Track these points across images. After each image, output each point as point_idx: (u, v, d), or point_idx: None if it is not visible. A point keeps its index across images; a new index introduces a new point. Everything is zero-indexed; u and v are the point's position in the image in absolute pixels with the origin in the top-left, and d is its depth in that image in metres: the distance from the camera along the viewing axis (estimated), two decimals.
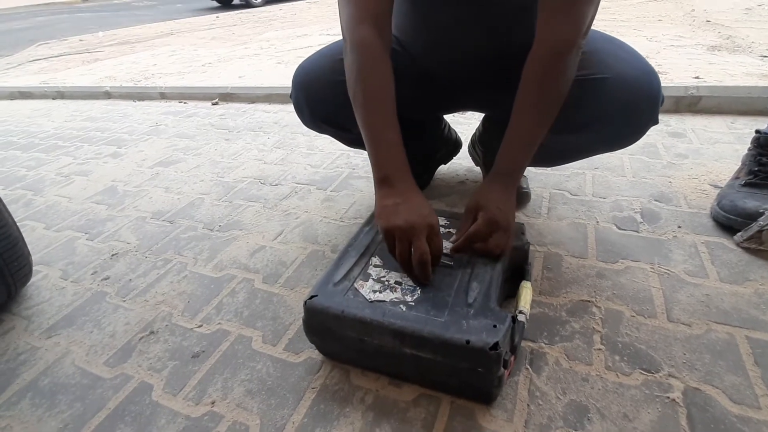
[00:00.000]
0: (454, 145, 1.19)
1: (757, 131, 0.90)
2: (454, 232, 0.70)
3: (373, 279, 0.61)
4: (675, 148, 1.21)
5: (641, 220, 0.90)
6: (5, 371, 0.68)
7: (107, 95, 2.57)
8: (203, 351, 0.68)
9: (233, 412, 0.57)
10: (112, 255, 0.97)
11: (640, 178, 1.07)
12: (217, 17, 7.72)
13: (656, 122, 0.72)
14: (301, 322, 0.64)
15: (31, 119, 2.30)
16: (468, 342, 0.49)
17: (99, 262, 0.95)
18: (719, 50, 2.72)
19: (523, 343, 0.63)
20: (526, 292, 0.62)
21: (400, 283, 0.60)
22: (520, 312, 0.58)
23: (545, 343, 0.63)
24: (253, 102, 2.14)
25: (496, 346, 0.48)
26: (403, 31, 0.83)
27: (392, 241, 0.61)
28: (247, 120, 1.87)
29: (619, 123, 0.71)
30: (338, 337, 0.58)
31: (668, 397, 0.54)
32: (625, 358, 0.60)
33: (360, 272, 0.63)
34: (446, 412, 0.55)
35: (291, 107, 1.98)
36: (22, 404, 0.62)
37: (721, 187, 0.95)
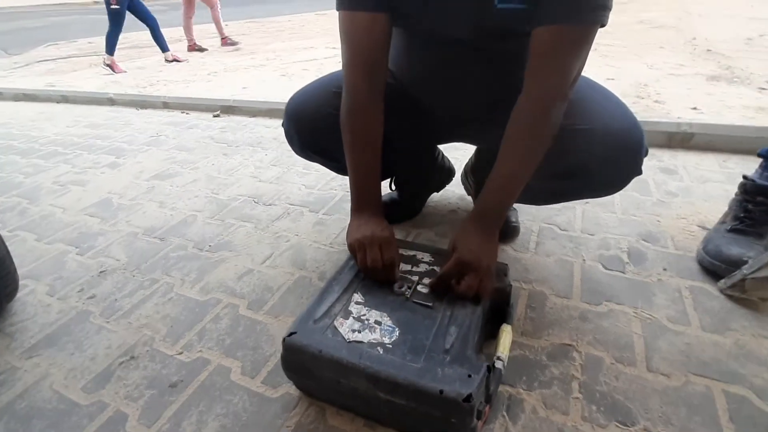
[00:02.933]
0: (447, 174, 1.20)
1: (744, 177, 0.91)
2: (437, 270, 0.70)
3: (353, 317, 0.62)
4: (666, 185, 1.22)
5: (627, 260, 0.91)
6: None
7: (111, 102, 2.60)
8: (181, 380, 0.68)
9: None
10: (101, 272, 0.97)
11: (629, 215, 1.08)
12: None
13: (640, 173, 0.74)
14: (270, 357, 0.64)
15: (33, 123, 2.32)
16: (441, 392, 0.49)
17: (87, 278, 0.95)
18: (718, 80, 2.75)
19: (501, 388, 0.63)
20: (506, 337, 0.62)
21: (379, 323, 0.60)
22: (498, 358, 0.59)
23: (524, 389, 0.63)
24: (254, 116, 2.16)
25: (469, 398, 0.48)
26: (398, 66, 0.85)
27: (354, 252, 0.72)
28: (247, 134, 1.88)
29: (603, 173, 0.72)
30: (315, 376, 0.58)
31: None
32: (602, 409, 0.60)
33: (341, 309, 0.63)
34: None
35: None
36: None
37: (709, 229, 0.96)
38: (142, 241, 1.09)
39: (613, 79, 3.11)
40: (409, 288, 0.66)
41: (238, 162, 1.57)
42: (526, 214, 1.10)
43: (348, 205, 1.18)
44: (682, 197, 1.15)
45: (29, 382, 0.70)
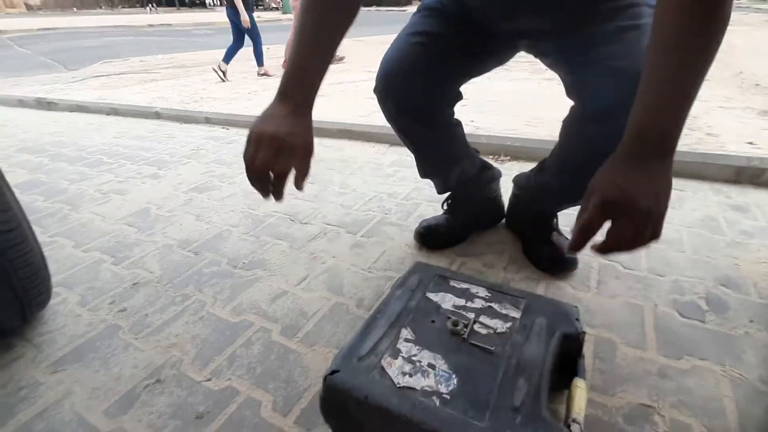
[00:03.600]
0: (500, 213, 1.13)
1: None
2: (498, 310, 0.62)
3: (403, 357, 0.54)
4: (739, 224, 1.10)
5: (707, 308, 0.80)
6: (3, 406, 0.64)
7: (157, 115, 2.69)
8: (208, 412, 0.62)
9: None
10: (133, 284, 0.94)
11: (702, 255, 0.97)
12: (268, 48, 8.16)
13: None
14: (316, 389, 0.58)
15: (83, 132, 2.41)
16: None
17: (119, 290, 0.92)
18: None
19: None
20: (581, 395, 0.53)
21: (433, 367, 0.53)
22: (574, 421, 0.50)
23: None
24: None
25: None
26: None
27: (248, 144, 0.55)
28: None
29: None
30: (358, 422, 0.51)
31: None
32: None
33: (389, 346, 0.56)
34: None
35: (328, 141, 2.00)
36: None
37: None
38: (177, 254, 1.06)
39: None
40: (466, 324, 0.59)
41: None
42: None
43: (388, 229, 1.13)
44: (759, 239, 1.03)
45: (50, 401, 0.66)
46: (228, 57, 4.46)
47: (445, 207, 1.09)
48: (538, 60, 0.86)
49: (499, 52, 0.90)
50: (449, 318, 0.60)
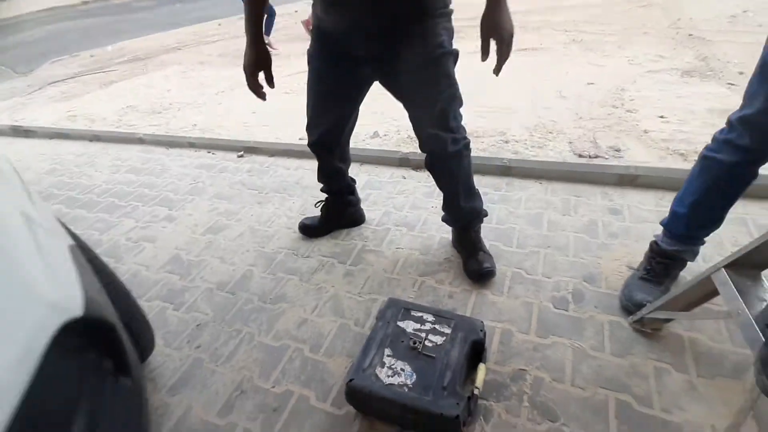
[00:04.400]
0: (353, 222, 1.73)
1: (655, 236, 1.27)
2: (438, 329, 1.08)
3: (387, 366, 1.00)
4: (611, 226, 1.58)
5: (571, 301, 1.29)
6: (156, 423, 1.08)
7: (140, 141, 2.91)
8: (279, 406, 1.07)
9: None
10: (197, 325, 1.36)
11: (579, 257, 1.45)
12: (219, 24, 7.92)
13: None
14: (340, 384, 1.03)
15: (79, 169, 2.65)
16: (442, 414, 0.88)
17: (189, 331, 1.34)
18: (692, 76, 3.07)
19: (480, 402, 1.02)
20: (481, 373, 1.01)
21: (403, 370, 0.99)
22: (476, 388, 0.97)
23: (494, 402, 1.03)
24: (272, 155, 2.49)
25: (457, 417, 0.87)
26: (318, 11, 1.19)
27: (245, 72, 1.24)
28: (272, 178, 2.23)
29: None
30: (367, 403, 0.97)
31: None
32: (540, 412, 0.99)
33: (378, 360, 1.02)
34: None
35: (309, 163, 2.34)
36: None
37: (634, 270, 1.33)
38: (219, 296, 1.47)
39: (593, 83, 3.40)
40: (420, 342, 1.05)
41: (272, 212, 1.92)
42: (503, 260, 1.46)
43: (368, 256, 1.56)
44: (621, 239, 1.52)
45: (179, 413, 1.09)
46: (268, 29, 5.04)
47: (319, 208, 1.70)
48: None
49: (361, 79, 1.30)
50: (411, 339, 1.06)
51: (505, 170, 1.94)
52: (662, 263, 1.22)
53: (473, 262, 1.40)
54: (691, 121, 2.53)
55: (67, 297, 0.55)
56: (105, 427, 0.58)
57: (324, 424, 1.02)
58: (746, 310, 0.86)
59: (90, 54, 6.51)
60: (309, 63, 1.31)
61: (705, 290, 1.01)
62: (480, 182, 1.93)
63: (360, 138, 2.64)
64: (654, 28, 4.46)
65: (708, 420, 0.95)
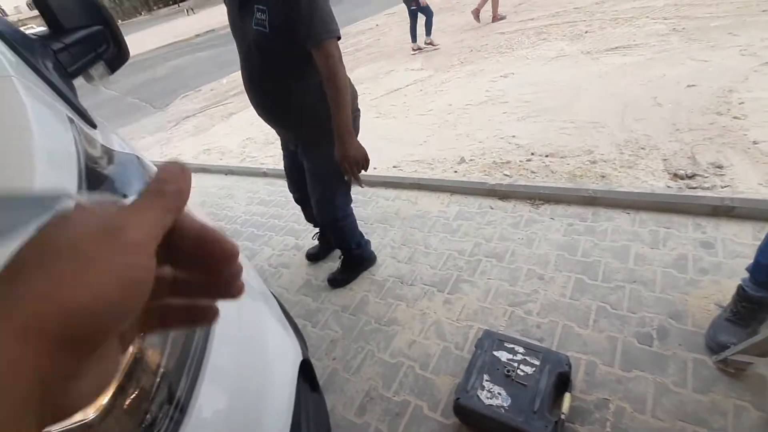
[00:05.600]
0: None
1: (742, 279, 1.34)
2: (528, 360, 1.31)
3: (486, 390, 1.27)
4: (701, 261, 1.63)
5: (655, 336, 1.41)
6: None
7: (264, 174, 3.51)
8: (400, 412, 1.41)
9: None
10: (331, 341, 1.76)
11: (665, 293, 1.55)
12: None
13: None
14: (446, 398, 1.33)
15: (222, 201, 3.32)
16: None
17: (325, 345, 1.74)
18: None
19: (567, 425, 1.24)
20: (567, 401, 1.22)
21: (500, 394, 1.25)
22: (563, 413, 1.20)
23: (579, 425, 1.23)
24: (373, 186, 2.87)
25: None
26: None
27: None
28: (374, 209, 2.60)
29: None
30: (471, 418, 1.25)
31: None
32: None
33: (479, 384, 1.29)
34: None
35: (405, 194, 2.66)
36: None
37: (722, 308, 1.40)
38: (344, 317, 1.86)
39: (694, 85, 3.21)
40: (513, 370, 1.29)
41: (377, 242, 2.28)
42: (588, 294, 1.62)
43: (463, 286, 1.82)
44: (711, 275, 1.57)
45: (328, 410, 1.48)
46: (428, 30, 5.89)
47: (316, 239, 2.23)
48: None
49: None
50: (505, 367, 1.31)
51: (591, 200, 2.05)
52: (747, 307, 1.29)
53: (333, 272, 2.04)
54: None
55: (296, 346, 0.92)
56: (313, 425, 0.95)
57: (436, 431, 1.32)
58: None
59: (210, 88, 7.66)
60: None
61: None
62: (566, 212, 2.08)
63: (448, 164, 2.89)
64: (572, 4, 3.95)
65: None
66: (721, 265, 1.59)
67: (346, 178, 1.59)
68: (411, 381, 1.50)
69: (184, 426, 0.56)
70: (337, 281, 2.01)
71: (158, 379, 0.57)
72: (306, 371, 1.03)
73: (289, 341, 0.88)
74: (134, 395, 0.55)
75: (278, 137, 1.85)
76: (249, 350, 0.74)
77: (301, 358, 0.88)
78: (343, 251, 1.99)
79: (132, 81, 10.00)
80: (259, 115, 1.63)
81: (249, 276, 0.98)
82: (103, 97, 9.17)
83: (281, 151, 1.92)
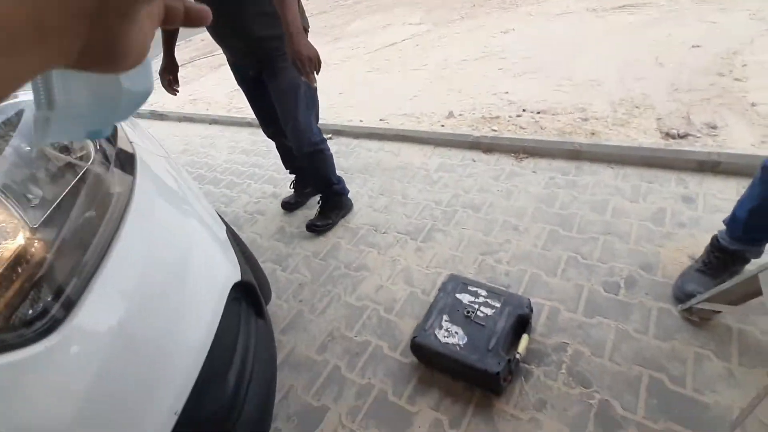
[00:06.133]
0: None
1: (719, 231, 1.29)
2: (489, 302, 1.29)
3: (444, 329, 1.25)
4: (680, 215, 1.58)
5: (622, 286, 1.38)
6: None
7: (249, 124, 3.41)
8: (360, 351, 1.39)
9: (379, 383, 1.28)
10: (299, 284, 1.73)
11: (639, 246, 1.51)
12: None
13: None
14: (407, 340, 1.31)
15: (204, 149, 3.23)
16: (485, 370, 1.11)
17: (293, 288, 1.72)
18: None
19: (522, 365, 1.22)
20: (524, 342, 1.20)
21: (457, 333, 1.23)
22: (518, 353, 1.18)
23: (535, 366, 1.22)
24: (357, 138, 2.78)
25: (497, 373, 1.10)
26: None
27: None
28: (356, 160, 2.52)
29: None
30: (427, 356, 1.24)
31: (590, 403, 1.11)
32: (576, 379, 1.17)
33: (438, 324, 1.27)
34: (479, 393, 1.18)
35: (389, 146, 2.58)
36: (284, 371, 1.40)
37: (695, 260, 1.37)
38: (314, 263, 1.82)
39: (699, 46, 3.07)
40: (473, 312, 1.27)
41: (356, 191, 2.22)
42: (560, 245, 1.58)
43: (436, 235, 1.78)
44: (688, 228, 1.52)
45: (289, 348, 1.47)
46: None
47: (292, 187, 2.18)
48: None
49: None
50: (466, 309, 1.28)
51: (575, 154, 1.98)
52: (720, 258, 1.25)
53: (313, 218, 1.98)
54: None
55: (233, 267, 0.88)
56: (253, 348, 0.92)
57: (394, 368, 1.31)
58: None
59: (201, 38, 7.36)
60: None
61: (753, 288, 1.06)
62: (549, 166, 2.02)
63: (436, 119, 2.79)
64: None
65: (738, 403, 1.04)
66: (700, 220, 1.54)
67: (303, 77, 1.49)
68: (374, 323, 1.48)
69: (67, 324, 0.52)
70: (317, 227, 1.96)
71: (42, 273, 0.52)
72: (252, 297, 1.00)
73: (222, 262, 0.84)
74: (14, 287, 0.50)
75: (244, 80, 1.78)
76: (164, 264, 0.69)
77: (234, 281, 0.84)
78: (324, 188, 1.93)
79: None
80: (218, 40, 1.56)
81: (189, 197, 0.93)
82: None
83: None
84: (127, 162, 0.73)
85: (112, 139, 0.74)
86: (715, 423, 1.02)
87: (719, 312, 1.20)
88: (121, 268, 0.58)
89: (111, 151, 0.70)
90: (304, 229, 2.02)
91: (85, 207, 0.61)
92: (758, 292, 1.04)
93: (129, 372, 0.56)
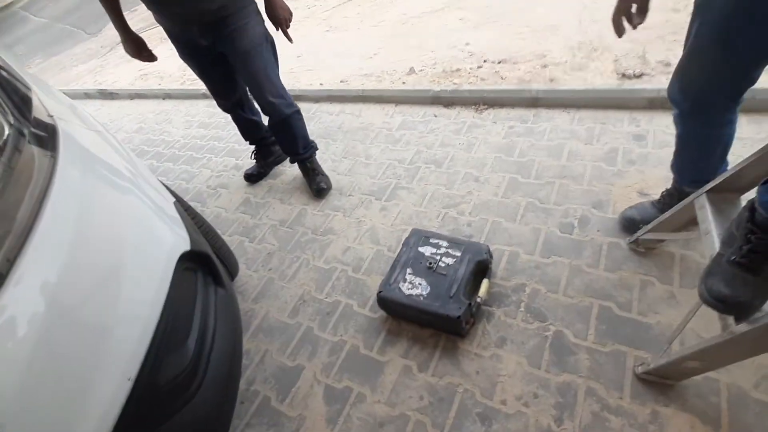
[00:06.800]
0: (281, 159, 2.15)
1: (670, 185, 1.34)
2: (450, 252, 1.32)
3: (408, 282, 1.29)
4: (630, 153, 1.63)
5: (576, 225, 1.44)
6: (246, 321, 1.49)
7: (204, 96, 3.25)
8: (331, 311, 1.43)
9: (350, 339, 1.33)
10: (268, 253, 1.73)
11: (591, 186, 1.56)
12: None
13: None
14: (375, 297, 1.35)
15: (160, 126, 3.09)
16: (447, 315, 1.16)
17: (262, 258, 1.72)
18: None
19: (485, 308, 1.28)
20: (484, 286, 1.25)
21: (421, 284, 1.27)
22: (479, 297, 1.23)
23: (496, 308, 1.28)
24: (317, 102, 2.70)
25: (458, 317, 1.15)
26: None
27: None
28: (317, 124, 2.47)
29: None
30: (393, 309, 1.28)
31: (546, 335, 1.19)
32: (533, 315, 1.24)
33: (402, 277, 1.30)
34: (444, 338, 1.24)
35: (350, 108, 2.52)
36: (259, 337, 1.43)
37: (647, 195, 1.43)
38: (282, 231, 1.82)
39: None
40: (435, 263, 1.31)
41: (319, 156, 2.18)
42: (519, 192, 1.62)
43: (400, 192, 1.80)
44: (638, 165, 1.58)
45: (262, 315, 1.50)
46: None
47: (253, 157, 2.14)
48: None
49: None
50: (428, 260, 1.32)
51: (533, 102, 1.99)
52: (675, 195, 1.28)
53: (313, 183, 1.88)
54: None
55: (180, 238, 0.87)
56: (213, 319, 0.93)
57: (364, 324, 1.36)
58: (713, 230, 0.99)
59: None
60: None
61: (691, 214, 1.12)
62: (508, 115, 2.03)
63: (396, 76, 2.73)
64: None
65: (677, 321, 1.12)
66: (649, 156, 1.60)
67: (278, 29, 1.56)
68: (343, 283, 1.51)
69: (2, 293, 0.52)
70: (324, 189, 1.89)
71: None
72: (209, 267, 1.00)
73: (166, 234, 0.83)
74: None
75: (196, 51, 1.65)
76: (97, 240, 0.67)
77: (182, 251, 0.83)
78: (305, 149, 1.90)
79: (63, 5, 8.81)
80: (154, 7, 1.45)
81: (125, 171, 0.90)
82: (33, 26, 8.15)
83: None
84: (47, 138, 0.69)
85: (27, 113, 0.70)
86: (657, 340, 1.11)
87: (663, 240, 1.27)
88: (45, 248, 0.57)
89: (25, 129, 0.67)
90: (269, 199, 2.00)
91: None
92: (696, 218, 1.11)
93: (70, 341, 0.56)
